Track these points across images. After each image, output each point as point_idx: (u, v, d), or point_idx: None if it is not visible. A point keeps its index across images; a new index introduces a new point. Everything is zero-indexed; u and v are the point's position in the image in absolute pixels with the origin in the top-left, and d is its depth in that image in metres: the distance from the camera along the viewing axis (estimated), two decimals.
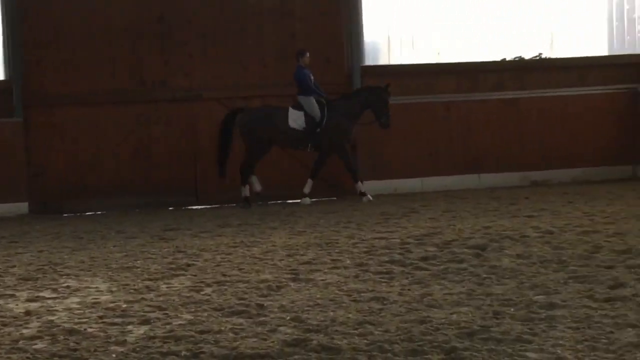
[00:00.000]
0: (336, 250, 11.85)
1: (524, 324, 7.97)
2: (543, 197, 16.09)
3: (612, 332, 7.60)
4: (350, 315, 8.47)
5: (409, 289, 9.54)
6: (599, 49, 19.50)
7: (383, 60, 18.61)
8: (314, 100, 16.86)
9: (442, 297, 9.12)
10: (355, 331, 7.92)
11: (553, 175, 18.06)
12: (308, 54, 16.98)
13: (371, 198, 16.71)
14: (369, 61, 18.33)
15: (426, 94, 18.20)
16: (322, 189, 17.48)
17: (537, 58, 18.82)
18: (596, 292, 9.00)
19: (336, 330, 7.96)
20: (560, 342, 7.41)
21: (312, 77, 16.94)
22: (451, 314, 8.42)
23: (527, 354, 7.11)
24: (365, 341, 7.59)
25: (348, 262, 11.09)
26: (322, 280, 10.13)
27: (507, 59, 18.75)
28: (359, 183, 16.99)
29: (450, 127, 17.96)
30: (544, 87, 18.52)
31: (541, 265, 10.44)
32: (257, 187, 16.95)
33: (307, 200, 16.90)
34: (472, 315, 8.34)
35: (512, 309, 8.50)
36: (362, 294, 9.35)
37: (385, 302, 8.97)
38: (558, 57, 18.93)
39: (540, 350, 7.21)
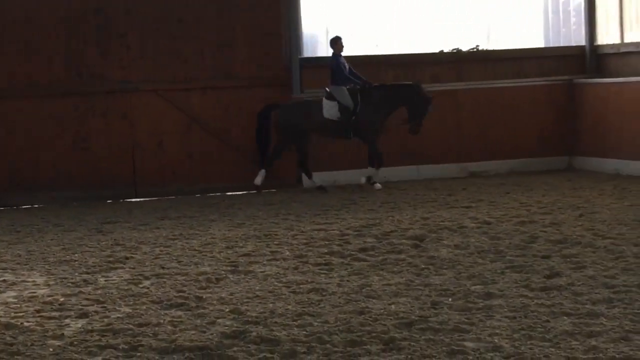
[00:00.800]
0: (275, 242, 11.86)
1: (462, 314, 8.06)
2: (481, 188, 16.23)
3: (547, 321, 7.71)
4: (289, 307, 8.49)
5: (347, 280, 9.59)
6: (535, 41, 19.68)
7: (322, 53, 18.62)
8: (345, 90, 16.74)
9: (380, 287, 9.17)
10: (295, 322, 7.95)
11: (490, 166, 18.21)
12: (342, 40, 16.90)
13: (380, 187, 16.68)
14: (307, 53, 18.32)
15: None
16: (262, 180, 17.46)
17: (474, 50, 18.94)
18: (532, 282, 9.11)
19: (275, 322, 7.98)
20: (497, 331, 7.49)
21: (347, 65, 16.84)
22: (390, 304, 8.48)
23: (465, 343, 7.19)
24: (304, 332, 7.62)
25: (287, 253, 11.11)
26: (261, 272, 10.14)
27: (445, 51, 18.85)
28: (376, 171, 16.86)
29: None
30: (481, 79, 18.64)
31: (479, 255, 10.55)
32: (258, 180, 16.96)
33: (378, 185, 16.81)
34: (410, 305, 8.41)
35: (450, 299, 8.58)
36: (301, 286, 9.37)
37: (324, 294, 9.00)
38: (495, 49, 19.06)
39: (477, 339, 7.29)
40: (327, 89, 16.84)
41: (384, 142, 17.52)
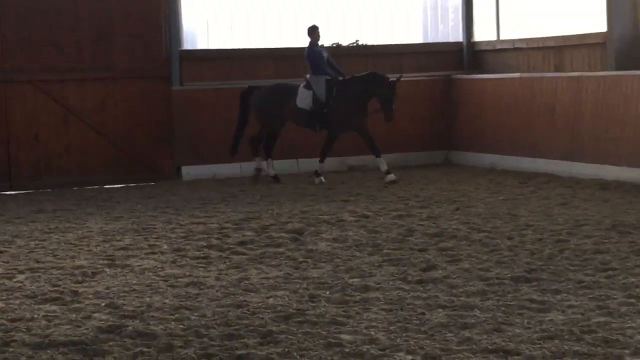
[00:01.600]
0: (153, 236, 11.77)
1: (339, 307, 8.11)
2: (360, 182, 16.35)
3: (423, 313, 7.81)
4: (166, 301, 8.43)
5: (226, 274, 9.57)
6: (414, 37, 19.92)
7: (202, 45, 18.52)
8: (324, 80, 16.31)
9: (259, 281, 9.17)
10: (172, 317, 7.90)
11: (369, 160, 18.31)
12: (319, 30, 16.59)
13: (394, 178, 16.01)
14: (187, 45, 18.21)
15: (245, 79, 18.19)
16: (140, 172, 17.30)
17: (354, 45, 19.08)
18: (409, 275, 9.22)
19: (152, 316, 7.91)
20: (374, 323, 7.56)
21: (325, 55, 16.50)
22: (268, 297, 8.49)
23: (341, 336, 7.23)
24: (181, 326, 7.58)
25: (165, 247, 11.03)
26: (139, 266, 10.04)
27: (325, 45, 18.91)
28: (381, 159, 16.27)
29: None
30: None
31: (356, 248, 10.63)
32: (270, 171, 16.71)
33: (322, 179, 16.37)
34: (288, 299, 8.43)
35: (327, 292, 8.63)
36: (179, 279, 9.32)
37: (202, 287, 8.97)
38: (375, 44, 19.22)
39: (354, 332, 7.34)
40: (307, 76, 16.51)
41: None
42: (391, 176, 15.96)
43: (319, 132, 16.50)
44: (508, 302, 8.07)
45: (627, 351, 6.65)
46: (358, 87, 16.24)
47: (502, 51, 18.99)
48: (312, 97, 16.29)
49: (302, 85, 16.46)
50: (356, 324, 7.55)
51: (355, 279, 9.13)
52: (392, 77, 16.11)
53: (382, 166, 16.15)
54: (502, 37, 19.09)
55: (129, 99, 17.35)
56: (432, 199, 14.10)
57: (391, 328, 7.42)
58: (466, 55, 19.52)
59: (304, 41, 17.31)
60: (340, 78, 16.42)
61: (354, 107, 16.24)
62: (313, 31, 16.60)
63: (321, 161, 16.53)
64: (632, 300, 8.00)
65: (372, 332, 7.30)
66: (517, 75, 17.64)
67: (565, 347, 6.77)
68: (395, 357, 6.69)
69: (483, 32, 19.51)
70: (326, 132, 16.58)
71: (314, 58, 16.38)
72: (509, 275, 9.00)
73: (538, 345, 6.84)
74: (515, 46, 18.59)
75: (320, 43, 16.67)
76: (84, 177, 17.05)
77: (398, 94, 16.14)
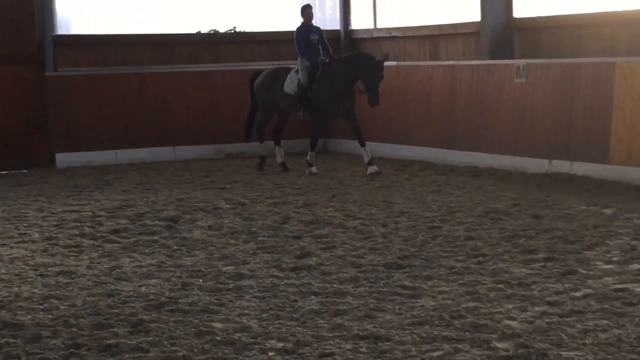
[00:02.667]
0: (24, 224, 11.53)
1: (212, 295, 8.06)
2: (236, 169, 16.30)
3: (296, 301, 7.81)
4: (35, 290, 8.28)
5: (98, 263, 9.44)
6: (292, 24, 19.88)
7: (77, 30, 18.21)
8: (307, 63, 15.52)
9: (131, 269, 9.07)
10: (40, 306, 7.75)
11: (247, 147, 18.26)
12: (310, 9, 15.96)
13: (377, 169, 15.18)
14: (61, 31, 17.87)
15: (121, 65, 17.98)
16: (13, 160, 16.95)
17: (232, 32, 18.99)
18: (283, 262, 9.22)
19: (20, 306, 7.76)
20: (246, 311, 7.54)
21: (313, 36, 15.70)
22: (140, 286, 8.40)
23: (213, 324, 7.20)
24: (50, 316, 7.44)
25: (36, 236, 10.82)
26: (8, 255, 9.83)
27: (202, 32, 18.80)
28: (365, 149, 15.39)
29: (146, 99, 17.82)
30: (238, 61, 18.71)
31: (232, 236, 10.59)
32: (279, 158, 16.13)
33: (314, 169, 15.57)
34: (160, 287, 8.35)
35: (200, 280, 8.58)
36: (50, 269, 9.16)
37: (73, 276, 8.83)
38: (252, 31, 19.16)
39: (226, 320, 7.31)
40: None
41: (143, 123, 17.38)
42: (373, 168, 15.17)
43: (304, 117, 15.84)
44: (380, 289, 8.13)
45: (494, 336, 6.76)
46: (341, 69, 15.37)
47: (379, 39, 19.13)
48: (298, 81, 15.63)
49: (294, 69, 15.88)
50: (228, 312, 7.52)
51: (229, 267, 9.09)
52: (379, 57, 15.35)
53: (366, 157, 15.33)
54: (379, 26, 19.23)
55: (1, 84, 16.95)
56: (308, 186, 14.13)
57: (264, 315, 7.41)
58: (343, 43, 19.59)
59: (180, 27, 17.18)
60: (327, 60, 15.62)
61: (337, 91, 15.35)
62: (303, 11, 15.97)
63: (312, 150, 15.76)
64: (501, 285, 8.14)
65: (245, 320, 7.27)
66: (393, 63, 17.76)
67: (435, 332, 6.85)
68: (266, 344, 6.69)
69: (360, 20, 19.62)
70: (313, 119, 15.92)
71: (297, 40, 15.74)
72: (382, 262, 9.07)
73: (408, 331, 6.91)
74: (392, 34, 18.75)
75: (313, 23, 16.02)
76: None
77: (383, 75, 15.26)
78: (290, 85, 15.70)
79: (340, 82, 15.32)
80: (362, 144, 15.37)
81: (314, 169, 15.57)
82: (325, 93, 15.42)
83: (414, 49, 18.35)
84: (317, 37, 15.77)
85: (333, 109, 15.51)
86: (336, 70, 15.42)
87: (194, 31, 18.72)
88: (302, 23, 15.88)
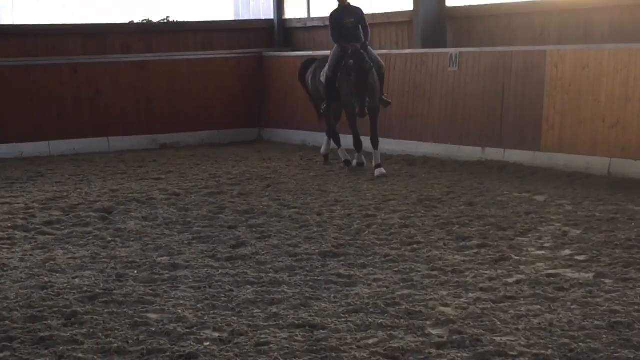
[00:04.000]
0: None
1: (147, 286, 8.03)
2: (171, 160, 16.22)
3: (231, 290, 7.81)
4: None
5: (31, 255, 9.35)
6: (226, 14, 19.87)
7: (6, 20, 17.99)
8: (337, 51, 13.94)
9: (65, 261, 9.00)
10: None
11: (181, 137, 18.21)
12: None
13: (384, 172, 13.72)
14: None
15: (53, 55, 17.80)
16: None
17: (165, 21, 18.90)
18: (218, 252, 9.21)
19: None
20: (182, 302, 7.52)
21: (348, 20, 14.00)
22: (74, 278, 8.34)
23: (148, 315, 7.17)
24: None
25: None
26: None
27: (135, 21, 18.68)
28: (377, 152, 13.99)
29: (78, 89, 17.65)
30: (172, 50, 18.62)
31: (166, 227, 10.55)
32: (323, 149, 15.08)
33: (382, 170, 13.73)
34: (95, 279, 8.30)
35: (135, 271, 8.54)
36: None
37: (5, 269, 8.73)
38: (185, 20, 19.08)
39: (161, 310, 7.29)
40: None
41: (76, 113, 17.26)
42: (381, 170, 13.64)
43: (324, 111, 14.38)
44: (315, 277, 8.16)
45: (428, 322, 6.82)
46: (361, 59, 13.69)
47: (312, 29, 19.15)
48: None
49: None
50: (164, 303, 7.49)
51: (164, 257, 9.06)
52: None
53: (376, 159, 13.86)
54: (312, 15, 19.24)
55: None
56: (243, 176, 14.11)
57: (199, 306, 7.40)
58: (277, 32, 19.60)
59: (113, 17, 17.05)
60: (355, 48, 13.73)
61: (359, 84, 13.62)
62: None
63: (337, 145, 14.70)
64: (435, 272, 8.21)
65: (180, 311, 7.26)
66: (327, 52, 17.78)
67: (370, 319, 6.89)
68: (202, 334, 6.68)
69: (294, 10, 19.61)
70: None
71: (330, 25, 14.26)
72: (317, 251, 9.10)
73: (344, 319, 6.95)
74: (325, 24, 18.70)
75: (350, 3, 14.30)
76: None
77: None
78: (324, 74, 14.31)
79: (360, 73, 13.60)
80: (375, 147, 13.89)
81: (359, 160, 14.39)
82: (348, 85, 13.74)
83: None
84: (352, 20, 14.08)
85: (355, 102, 13.65)
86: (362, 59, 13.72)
87: (126, 21, 18.60)
88: (338, 6, 14.20)
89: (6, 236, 10.22)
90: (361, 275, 8.20)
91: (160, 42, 18.63)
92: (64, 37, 17.97)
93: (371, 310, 7.16)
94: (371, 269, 8.44)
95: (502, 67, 14.38)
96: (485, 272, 8.20)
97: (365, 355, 6.15)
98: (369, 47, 14.01)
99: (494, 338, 6.41)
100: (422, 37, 16.39)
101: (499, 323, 6.73)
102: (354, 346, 6.36)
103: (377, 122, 14.01)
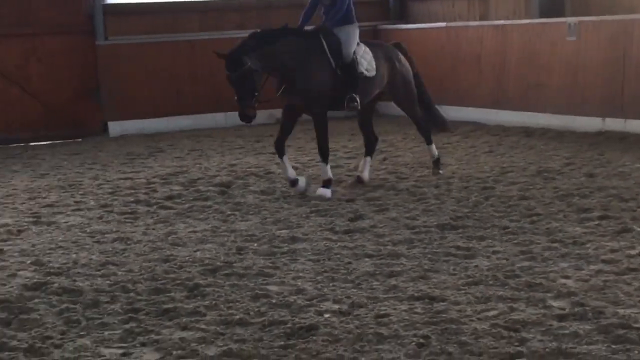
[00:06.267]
0: (80, 192, 11.65)
1: (267, 259, 8.11)
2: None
3: (350, 263, 7.84)
4: (93, 257, 8.37)
5: (153, 229, 9.52)
6: None
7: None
8: (354, 31, 11.26)
9: (186, 235, 9.14)
10: (98, 272, 7.84)
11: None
12: None
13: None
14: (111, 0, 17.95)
15: (171, 32, 18.03)
16: (67, 129, 17.09)
17: None
18: (336, 225, 9.24)
19: (78, 273, 7.85)
20: (301, 274, 7.58)
21: None
22: (195, 251, 8.46)
23: (269, 287, 7.25)
24: (107, 282, 7.53)
25: (92, 203, 10.93)
26: (65, 222, 9.94)
27: None
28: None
29: (196, 65, 17.86)
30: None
31: (284, 200, 10.62)
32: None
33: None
34: (215, 252, 8.41)
35: (255, 244, 8.63)
36: (106, 235, 9.25)
37: (129, 243, 8.91)
38: None
39: (281, 283, 7.36)
40: None
41: (194, 89, 17.44)
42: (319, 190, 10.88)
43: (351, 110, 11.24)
44: (434, 250, 8.14)
45: (549, 294, 6.75)
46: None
47: (427, 0, 19.00)
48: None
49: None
50: (283, 275, 7.56)
51: (283, 231, 9.13)
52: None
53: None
54: None
55: (53, 54, 17.08)
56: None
57: (318, 278, 7.45)
58: (392, 4, 19.49)
59: None
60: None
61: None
62: None
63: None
64: (555, 244, 8.12)
65: (299, 283, 7.32)
66: (442, 24, 17.68)
67: (490, 292, 6.85)
68: (321, 306, 6.72)
69: None
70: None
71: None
72: (435, 223, 9.07)
73: (463, 291, 6.92)
74: None
75: None
76: (8, 134, 16.79)
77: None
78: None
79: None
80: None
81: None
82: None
83: (463, 9, 18.21)
84: None
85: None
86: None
87: None
88: None
89: (129, 210, 10.43)
90: (480, 248, 8.15)
91: (276, 18, 18.67)
92: (181, 14, 18.17)
93: (491, 282, 7.12)
94: (490, 241, 8.38)
95: (622, 36, 14.08)
96: (607, 243, 8.07)
97: (485, 327, 6.12)
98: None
99: (617, 310, 6.32)
100: (540, 7, 16.14)
101: (622, 295, 6.62)
102: (474, 318, 6.33)
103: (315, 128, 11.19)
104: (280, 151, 11.14)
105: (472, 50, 16.79)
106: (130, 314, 6.71)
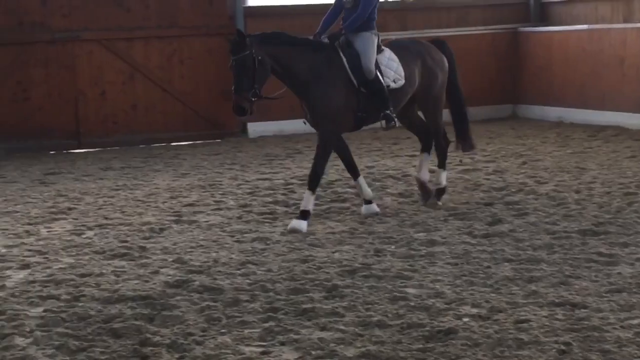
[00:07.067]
0: (220, 192, 11.83)
1: (404, 261, 8.10)
2: None
3: (489, 267, 7.77)
4: (233, 256, 8.49)
5: None
6: None
7: (268, 1, 18.47)
8: (373, 39, 10.20)
9: (324, 236, 9.19)
10: (238, 271, 7.95)
11: None
12: None
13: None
14: (252, 2, 18.17)
15: (309, 34, 18.11)
16: (207, 130, 17.37)
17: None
18: (475, 229, 9.18)
19: (219, 271, 7.97)
20: (439, 277, 7.55)
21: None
22: (333, 252, 8.50)
23: (407, 289, 7.24)
24: (247, 281, 7.62)
25: (231, 203, 11.08)
26: (205, 221, 10.10)
27: (389, 0, 18.80)
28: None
29: None
30: (425, 28, 18.62)
31: (422, 203, 10.57)
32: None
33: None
34: (353, 253, 8.44)
35: (393, 247, 8.62)
36: (245, 235, 9.37)
37: (268, 242, 9.01)
38: None
39: (419, 286, 7.34)
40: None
41: None
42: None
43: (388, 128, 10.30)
44: (575, 256, 8.00)
45: None
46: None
47: (569, 3, 18.69)
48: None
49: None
50: (421, 278, 7.54)
51: (421, 233, 9.11)
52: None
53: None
54: None
55: (195, 56, 17.39)
56: (498, 153, 13.99)
57: (457, 282, 7.40)
58: (533, 7, 19.24)
59: None
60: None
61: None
62: None
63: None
64: None
65: (438, 286, 7.29)
66: (585, 27, 17.37)
67: (634, 300, 6.71)
68: (460, 310, 6.68)
69: None
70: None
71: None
72: (576, 229, 8.92)
73: (606, 298, 6.79)
74: None
75: None
76: (150, 134, 17.16)
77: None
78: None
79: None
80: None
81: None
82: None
83: (606, 11, 17.86)
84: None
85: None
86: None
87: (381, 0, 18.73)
88: None
89: (268, 211, 10.54)
90: (623, 255, 7.98)
91: (414, 20, 18.66)
92: (319, 17, 18.25)
93: (634, 290, 6.97)
94: (633, 247, 8.21)
95: None
96: None
97: (629, 335, 6.00)
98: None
99: None
100: None
101: None
102: (617, 326, 6.21)
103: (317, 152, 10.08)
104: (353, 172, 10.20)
105: (614, 53, 16.45)
106: (269, 313, 6.78)
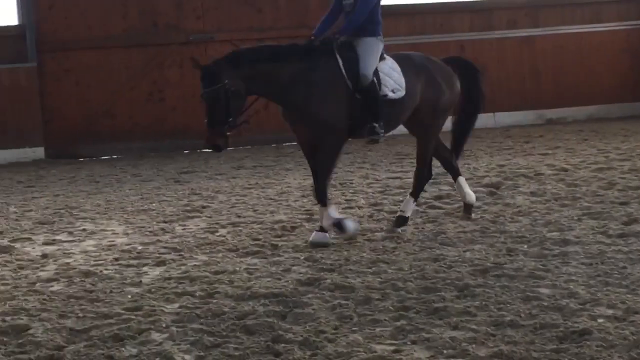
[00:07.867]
0: (350, 191, 11.88)
1: (537, 261, 8.00)
2: (558, 135, 16.04)
3: (625, 267, 7.63)
4: (364, 255, 8.52)
5: (422, 228, 9.58)
6: None
7: (394, 0, 18.45)
8: (376, 44, 9.48)
9: (455, 235, 9.15)
10: (369, 270, 7.97)
11: (568, 113, 17.99)
12: None
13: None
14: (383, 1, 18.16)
15: (440, 33, 18.09)
16: None
17: None
18: (610, 228, 9.01)
19: (350, 269, 8.01)
20: (573, 277, 7.44)
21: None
22: (464, 251, 8.46)
23: (540, 289, 7.15)
24: (378, 279, 7.64)
25: (362, 202, 11.12)
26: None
27: None
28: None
29: None
30: (558, 24, 18.37)
31: (555, 202, 10.45)
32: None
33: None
34: (485, 252, 8.38)
35: (525, 246, 8.53)
36: (376, 234, 9.39)
37: (399, 241, 9.01)
38: None
39: (552, 286, 7.24)
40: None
41: None
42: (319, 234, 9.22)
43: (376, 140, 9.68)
44: None
45: None
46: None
47: None
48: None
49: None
50: (555, 278, 7.44)
51: (554, 233, 8.99)
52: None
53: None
54: None
55: None
56: (633, 151, 13.71)
57: (591, 282, 7.28)
58: None
59: None
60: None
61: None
62: None
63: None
64: None
65: (572, 286, 7.18)
66: None
67: None
68: (595, 311, 6.57)
69: None
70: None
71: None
72: None
73: None
74: None
75: None
76: (280, 134, 17.28)
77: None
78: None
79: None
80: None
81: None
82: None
83: None
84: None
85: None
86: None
87: None
88: None
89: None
90: None
91: (547, 17, 18.42)
92: (451, 15, 18.20)
93: None
94: None
95: None
96: None
97: None
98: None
99: None
100: None
101: None
102: None
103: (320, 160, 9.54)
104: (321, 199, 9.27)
105: None
106: (400, 312, 6.78)
